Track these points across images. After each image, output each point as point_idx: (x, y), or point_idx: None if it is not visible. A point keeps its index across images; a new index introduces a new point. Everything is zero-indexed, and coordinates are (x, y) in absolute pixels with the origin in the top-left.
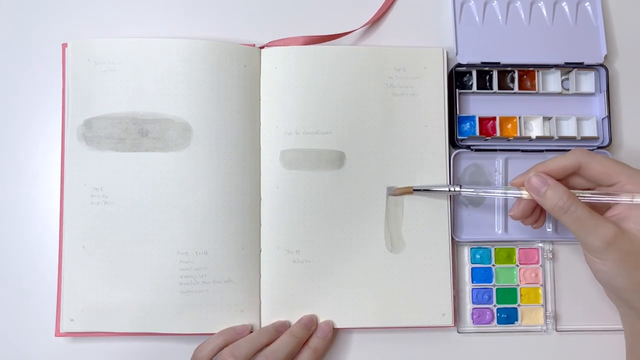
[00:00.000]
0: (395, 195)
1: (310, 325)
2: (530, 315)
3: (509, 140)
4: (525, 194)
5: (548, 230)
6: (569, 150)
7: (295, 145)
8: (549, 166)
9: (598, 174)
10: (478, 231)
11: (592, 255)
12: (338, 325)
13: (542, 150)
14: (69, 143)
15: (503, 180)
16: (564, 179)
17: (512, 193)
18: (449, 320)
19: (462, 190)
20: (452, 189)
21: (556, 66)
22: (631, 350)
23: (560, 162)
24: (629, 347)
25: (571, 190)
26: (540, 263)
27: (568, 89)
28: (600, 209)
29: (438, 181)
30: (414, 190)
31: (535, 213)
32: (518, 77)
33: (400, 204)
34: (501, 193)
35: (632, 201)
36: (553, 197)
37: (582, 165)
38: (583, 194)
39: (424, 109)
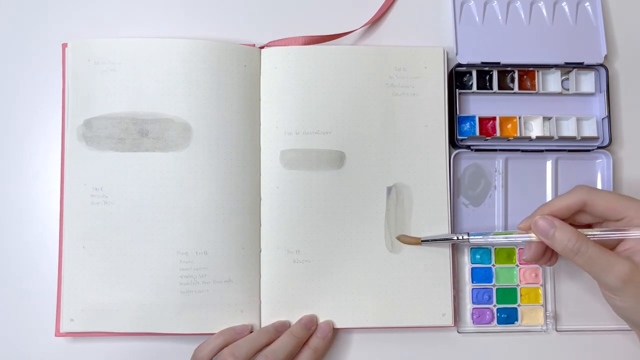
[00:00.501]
0: (401, 241)
1: (310, 325)
2: (530, 315)
3: (509, 140)
4: (534, 237)
5: None
6: (569, 150)
7: (295, 145)
8: (554, 207)
9: (604, 210)
10: (477, 231)
11: (611, 294)
12: (338, 325)
13: (542, 150)
14: (69, 143)
15: (503, 181)
16: (571, 217)
17: (522, 237)
18: (449, 320)
19: (471, 238)
20: (460, 237)
21: (556, 66)
22: None
23: (564, 202)
24: None
25: (580, 230)
26: None
27: (568, 89)
28: (610, 244)
29: (438, 182)
30: (422, 241)
31: (548, 253)
32: (518, 77)
33: (400, 204)
34: (513, 238)
35: None
36: (562, 238)
37: (586, 203)
38: (592, 232)
39: (424, 109)
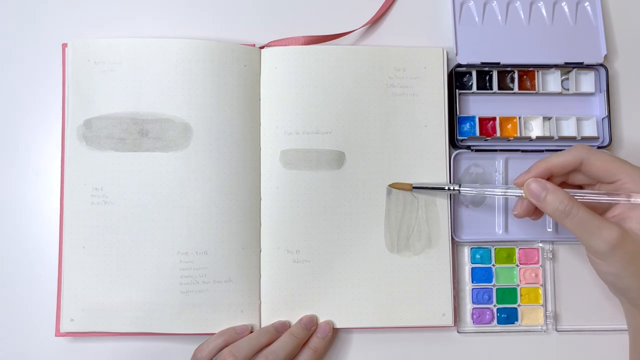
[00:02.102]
0: (393, 187)
1: (310, 326)
2: (530, 315)
3: (509, 140)
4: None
5: (548, 230)
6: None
7: (295, 145)
8: (550, 162)
9: (599, 170)
10: (478, 231)
11: (597, 258)
12: (338, 325)
13: (542, 150)
14: (69, 143)
15: (503, 181)
16: (565, 175)
17: (513, 193)
18: (449, 320)
19: (462, 188)
20: (451, 187)
21: (556, 66)
22: (634, 347)
23: (561, 159)
24: (632, 344)
25: (570, 191)
26: (540, 263)
27: (568, 89)
28: (600, 209)
29: (438, 181)
30: (414, 187)
31: (539, 210)
32: (518, 77)
33: (400, 204)
34: (501, 192)
35: (630, 201)
36: (553, 201)
37: (583, 162)
38: (582, 194)
39: (424, 109)
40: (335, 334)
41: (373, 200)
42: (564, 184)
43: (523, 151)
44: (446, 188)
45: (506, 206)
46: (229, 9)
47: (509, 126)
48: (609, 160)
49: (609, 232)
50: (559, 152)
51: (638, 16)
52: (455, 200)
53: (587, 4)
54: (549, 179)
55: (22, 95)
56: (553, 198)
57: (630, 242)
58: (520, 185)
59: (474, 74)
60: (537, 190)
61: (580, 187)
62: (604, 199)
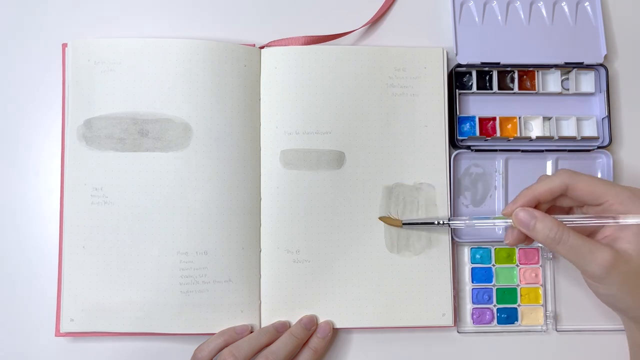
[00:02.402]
0: (383, 222)
1: (310, 326)
2: (530, 315)
3: (509, 140)
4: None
5: None
6: (569, 150)
7: (295, 145)
8: (536, 190)
9: (585, 194)
10: (478, 231)
11: (593, 281)
12: (338, 325)
13: (542, 150)
14: (69, 143)
15: (503, 181)
16: (552, 201)
17: (502, 222)
18: (449, 320)
19: (451, 222)
20: (440, 221)
21: (556, 66)
22: None
23: (547, 186)
24: (632, 359)
25: (560, 217)
26: (540, 263)
27: (568, 89)
28: (590, 231)
29: (438, 182)
30: (403, 224)
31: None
32: (518, 77)
33: (400, 204)
34: (491, 223)
35: (618, 222)
36: (543, 229)
37: (568, 187)
38: (571, 219)
39: (424, 109)
40: (335, 334)
41: (373, 200)
42: (553, 208)
43: (523, 151)
44: (435, 223)
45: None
46: (229, 9)
47: (509, 126)
48: (594, 184)
49: (602, 255)
50: (543, 179)
51: (638, 16)
52: (455, 200)
53: (587, 4)
54: (537, 206)
55: (22, 95)
56: (542, 226)
57: (623, 262)
58: (508, 215)
59: (474, 74)
60: (525, 219)
61: (570, 209)
62: (592, 222)
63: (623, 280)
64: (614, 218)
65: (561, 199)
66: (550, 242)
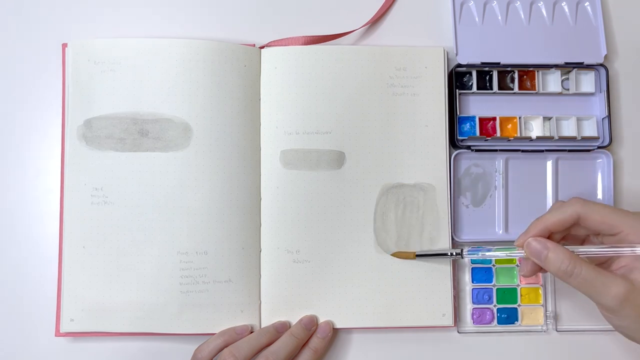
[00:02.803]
0: (396, 257)
1: (310, 326)
2: (530, 315)
3: (509, 140)
4: None
5: None
6: (570, 150)
7: (295, 145)
8: (548, 221)
9: (598, 224)
10: (478, 231)
11: (608, 313)
12: (338, 325)
13: (542, 150)
14: (69, 143)
15: (503, 181)
16: (566, 230)
17: (516, 254)
18: (449, 320)
19: (464, 254)
20: (453, 252)
21: (556, 66)
22: None
23: (558, 216)
24: None
25: (574, 248)
26: None
27: (568, 89)
28: (604, 260)
29: (438, 182)
30: (417, 255)
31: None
32: (518, 77)
33: (400, 204)
34: (504, 255)
35: (635, 252)
36: (555, 261)
37: (580, 217)
38: (584, 250)
39: (425, 109)
40: (335, 334)
41: (373, 201)
42: (567, 237)
43: (523, 151)
44: (449, 254)
45: (506, 206)
46: (229, 9)
47: (509, 126)
48: (607, 214)
49: (616, 287)
50: (555, 209)
51: (638, 16)
52: (455, 200)
53: (587, 4)
54: (550, 236)
55: (22, 95)
56: (555, 257)
57: (638, 294)
58: (520, 246)
59: (474, 74)
60: (537, 250)
61: (586, 237)
62: (607, 252)
63: (638, 313)
64: (629, 248)
65: (575, 228)
66: (563, 275)
